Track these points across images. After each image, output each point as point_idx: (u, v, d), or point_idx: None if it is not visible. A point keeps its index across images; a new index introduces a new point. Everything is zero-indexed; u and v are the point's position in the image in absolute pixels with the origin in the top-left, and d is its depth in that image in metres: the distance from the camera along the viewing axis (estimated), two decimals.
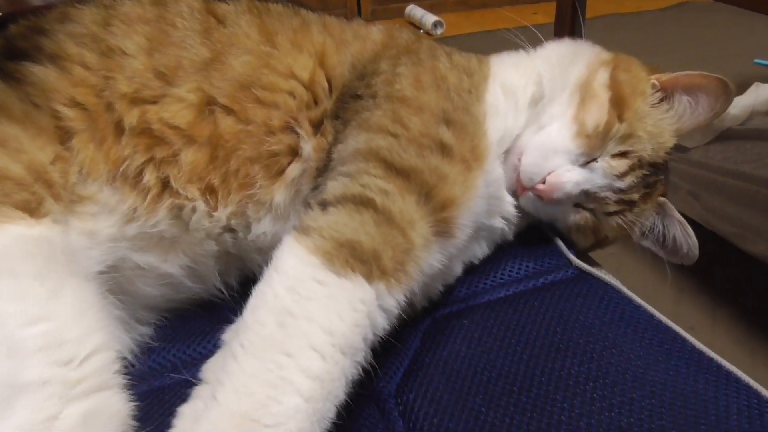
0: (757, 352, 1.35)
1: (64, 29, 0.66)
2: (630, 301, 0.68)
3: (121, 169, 0.63)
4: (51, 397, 0.48)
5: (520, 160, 0.71)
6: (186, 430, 0.54)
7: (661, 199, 0.75)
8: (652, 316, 0.66)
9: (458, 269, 0.74)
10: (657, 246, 0.77)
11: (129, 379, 0.57)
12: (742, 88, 1.89)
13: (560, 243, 0.78)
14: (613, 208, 0.72)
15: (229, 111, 0.65)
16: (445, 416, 0.57)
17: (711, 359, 0.59)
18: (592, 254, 0.81)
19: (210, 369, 0.61)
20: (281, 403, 0.47)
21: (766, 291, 1.49)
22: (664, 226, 0.76)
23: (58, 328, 0.51)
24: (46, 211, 0.58)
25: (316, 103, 0.69)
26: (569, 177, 0.69)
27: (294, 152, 0.67)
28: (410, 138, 0.62)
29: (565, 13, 1.82)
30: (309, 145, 0.67)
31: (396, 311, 0.56)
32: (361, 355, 0.53)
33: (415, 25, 3.26)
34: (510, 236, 0.77)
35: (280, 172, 0.66)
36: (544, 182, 0.69)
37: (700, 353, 0.60)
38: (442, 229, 0.60)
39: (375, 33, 0.78)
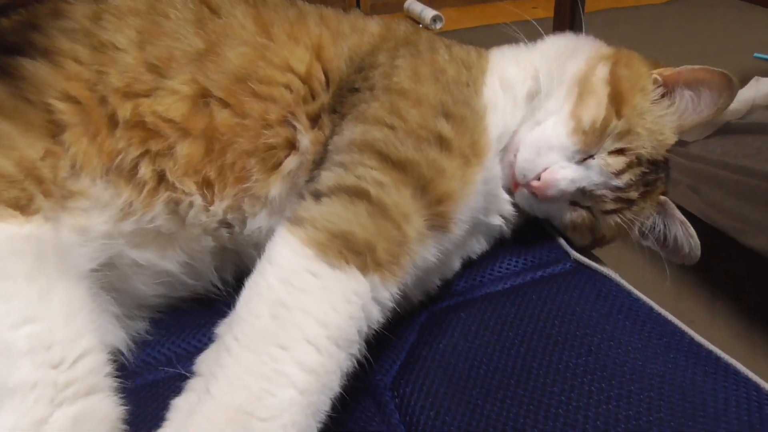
0: (757, 345, 1.34)
1: (56, 25, 0.66)
2: (629, 293, 0.68)
3: (115, 163, 0.63)
4: (40, 400, 0.47)
5: (515, 156, 0.70)
6: (180, 422, 0.53)
7: (662, 197, 0.74)
8: (651, 308, 0.65)
9: (456, 265, 0.73)
10: (657, 246, 0.75)
11: (123, 373, 0.57)
12: (742, 82, 1.88)
13: (557, 235, 0.77)
14: (610, 206, 0.70)
15: (224, 104, 0.64)
16: (442, 409, 0.56)
17: (710, 352, 0.59)
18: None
19: (203, 362, 0.61)
20: (276, 396, 0.46)
21: (766, 285, 1.49)
22: (665, 225, 0.75)
23: (47, 329, 0.50)
24: (37, 209, 0.57)
25: (313, 97, 0.68)
26: (564, 174, 0.68)
27: (291, 145, 0.67)
28: (408, 130, 0.61)
29: (565, 7, 1.81)
30: (306, 139, 0.67)
31: (390, 304, 0.55)
32: (356, 347, 0.52)
33: (414, 20, 3.25)
34: (508, 233, 0.77)
35: (277, 165, 0.66)
36: (539, 179, 0.68)
37: (699, 346, 0.59)
38: (438, 223, 0.59)
39: (372, 25, 0.77)
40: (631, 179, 0.69)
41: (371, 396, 0.60)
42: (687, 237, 0.73)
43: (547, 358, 0.59)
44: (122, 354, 0.64)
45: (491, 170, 0.68)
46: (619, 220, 0.71)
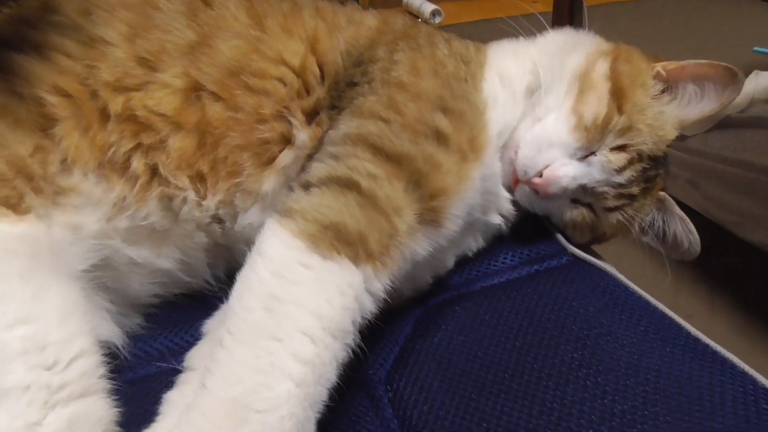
0: (755, 340, 1.34)
1: (46, 19, 0.65)
2: (625, 287, 0.67)
3: (107, 156, 0.62)
4: (33, 402, 0.47)
5: (516, 153, 0.69)
6: (173, 416, 0.53)
7: (662, 193, 0.74)
8: (647, 302, 0.65)
9: (450, 262, 0.72)
10: (657, 242, 0.75)
11: (116, 367, 0.57)
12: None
13: (554, 230, 0.77)
14: (612, 203, 0.70)
15: (217, 97, 0.64)
16: (435, 403, 0.56)
17: (706, 346, 0.58)
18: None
19: (194, 357, 0.61)
20: (272, 389, 0.46)
21: (765, 279, 1.48)
22: (664, 221, 0.74)
23: (41, 331, 0.50)
24: (28, 206, 0.57)
25: (308, 91, 0.67)
26: (566, 171, 0.67)
27: (286, 140, 0.66)
28: (404, 124, 0.60)
29: (564, 2, 1.80)
30: (303, 134, 0.66)
31: (382, 295, 0.54)
32: (351, 337, 0.51)
33: (414, 14, 3.24)
34: (506, 230, 0.76)
35: (271, 160, 0.65)
36: (540, 176, 0.67)
37: (696, 340, 0.59)
38: (430, 218, 0.59)
39: (369, 18, 0.76)
40: (632, 176, 0.68)
41: (365, 390, 0.60)
42: (686, 233, 0.73)
43: (543, 352, 0.59)
44: (117, 348, 0.63)
45: (490, 167, 0.67)
46: (620, 217, 0.71)
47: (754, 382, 0.53)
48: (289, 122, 0.65)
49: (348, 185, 0.55)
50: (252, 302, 0.50)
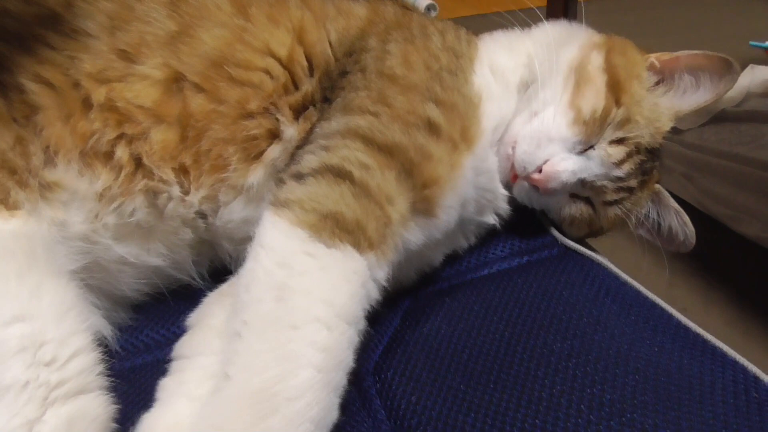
0: (750, 333, 1.34)
1: (28, 10, 0.64)
2: (616, 277, 0.67)
3: (89, 144, 0.61)
4: (32, 399, 0.47)
5: (513, 148, 0.68)
6: (171, 401, 0.54)
7: (657, 186, 0.73)
8: (638, 292, 0.64)
9: (437, 260, 0.72)
10: (652, 235, 0.74)
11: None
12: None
13: (545, 221, 0.76)
14: (611, 196, 0.69)
15: (199, 89, 0.62)
16: (423, 394, 0.55)
17: (697, 335, 0.58)
18: None
19: (183, 346, 0.60)
20: (296, 377, 0.45)
21: (760, 272, 1.48)
22: (659, 214, 0.73)
23: (39, 328, 0.50)
24: (16, 201, 0.57)
25: (296, 85, 0.66)
26: (565, 166, 0.66)
27: (274, 135, 0.65)
28: (393, 116, 0.60)
29: None
30: (291, 129, 0.65)
31: (384, 282, 0.54)
32: (362, 324, 0.51)
33: (408, 9, 3.22)
34: (499, 227, 0.75)
35: (259, 154, 0.64)
36: (539, 171, 0.67)
37: (687, 329, 0.58)
38: (423, 207, 0.58)
39: (358, 8, 0.75)
40: (631, 168, 0.68)
41: (352, 381, 0.59)
42: (682, 225, 0.72)
43: (532, 342, 0.58)
44: (106, 339, 0.63)
45: (485, 161, 0.66)
46: (618, 211, 0.70)
47: (744, 370, 0.53)
48: (277, 118, 0.64)
49: (341, 175, 0.54)
50: (261, 293, 0.50)
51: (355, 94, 0.63)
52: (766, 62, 1.93)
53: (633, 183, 0.69)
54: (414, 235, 0.59)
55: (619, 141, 0.67)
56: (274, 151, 0.64)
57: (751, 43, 2.42)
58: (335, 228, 0.51)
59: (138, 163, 0.62)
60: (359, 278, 0.51)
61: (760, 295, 1.43)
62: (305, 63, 0.67)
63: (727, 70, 0.67)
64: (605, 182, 0.68)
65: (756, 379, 0.52)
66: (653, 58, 0.70)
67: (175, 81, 0.62)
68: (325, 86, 0.67)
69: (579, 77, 0.69)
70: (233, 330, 0.49)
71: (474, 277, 0.71)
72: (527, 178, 0.68)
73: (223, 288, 0.66)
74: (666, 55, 0.71)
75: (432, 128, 0.60)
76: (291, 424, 0.44)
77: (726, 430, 0.47)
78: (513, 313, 0.62)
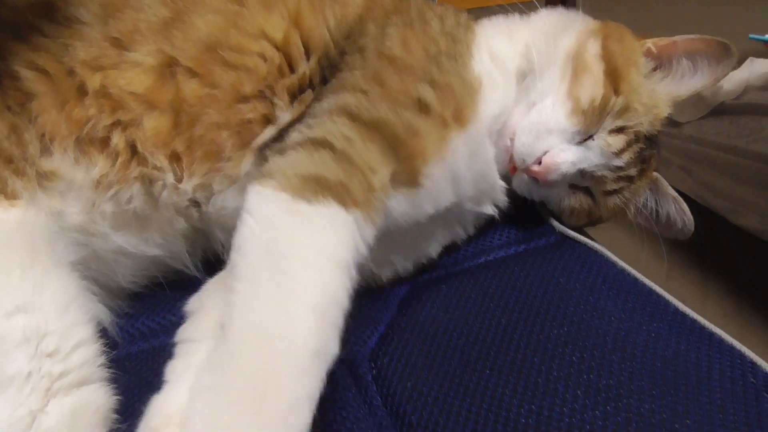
0: (747, 325, 1.34)
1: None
2: (613, 265, 0.66)
3: (85, 130, 0.60)
4: (35, 390, 0.47)
5: (512, 140, 0.67)
6: (181, 382, 0.54)
7: (655, 174, 0.73)
8: (635, 279, 0.64)
9: (433, 251, 0.71)
10: (651, 223, 0.73)
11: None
12: (737, 63, 1.86)
13: (542, 210, 0.76)
14: (611, 186, 0.68)
15: (192, 74, 0.62)
16: (419, 380, 0.55)
17: (694, 321, 0.57)
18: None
19: (187, 330, 0.60)
20: (291, 315, 0.46)
21: (758, 265, 1.48)
22: (657, 202, 0.73)
23: (42, 320, 0.50)
24: (13, 190, 0.57)
25: (291, 68, 0.65)
26: (565, 157, 0.65)
27: (268, 120, 0.64)
28: (383, 94, 0.59)
29: None
30: (287, 114, 0.64)
31: (372, 242, 0.54)
32: (353, 272, 0.51)
33: None
34: (496, 217, 0.74)
35: (253, 139, 0.63)
36: (539, 163, 0.66)
37: (684, 315, 0.58)
38: (406, 177, 0.58)
39: None
40: (631, 157, 0.67)
41: (348, 368, 0.59)
42: (680, 213, 0.72)
43: (528, 328, 0.58)
44: (104, 326, 0.63)
45: (480, 144, 0.65)
46: (618, 200, 0.70)
47: (741, 356, 0.53)
48: (272, 102, 0.64)
49: (322, 144, 0.54)
50: (251, 249, 0.50)
51: (350, 73, 0.63)
52: (766, 55, 1.93)
53: (632, 172, 0.68)
54: (399, 204, 0.59)
55: (619, 130, 0.67)
56: (268, 133, 0.64)
57: (751, 36, 2.41)
58: (317, 187, 0.51)
59: (133, 150, 0.62)
60: (347, 230, 0.51)
61: (758, 287, 1.43)
62: (301, 46, 0.66)
63: (725, 54, 0.67)
64: (605, 172, 0.67)
65: (753, 364, 0.52)
66: (650, 43, 0.70)
67: (168, 66, 0.61)
68: (324, 66, 0.66)
69: (576, 66, 0.68)
70: (228, 287, 0.49)
71: (471, 265, 0.71)
72: (527, 170, 0.67)
73: (223, 275, 0.65)
74: (663, 41, 0.70)
75: (422, 107, 0.60)
76: (291, 356, 0.45)
77: (722, 415, 0.47)
78: (510, 300, 0.62)
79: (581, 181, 0.69)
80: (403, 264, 0.69)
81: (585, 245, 0.70)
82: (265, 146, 0.63)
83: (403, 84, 0.60)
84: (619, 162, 0.67)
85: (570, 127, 0.66)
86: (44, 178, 0.59)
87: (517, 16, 0.78)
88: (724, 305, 1.40)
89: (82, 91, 0.61)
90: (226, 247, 0.67)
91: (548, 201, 0.73)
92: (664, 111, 0.69)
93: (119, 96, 0.60)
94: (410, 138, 0.58)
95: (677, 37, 0.69)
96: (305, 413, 0.44)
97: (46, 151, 0.60)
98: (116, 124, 0.61)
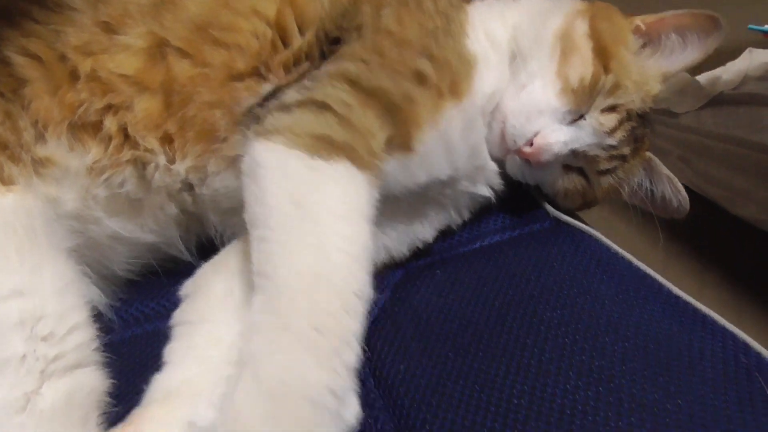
0: (744, 314, 1.34)
1: None
2: (607, 249, 0.66)
3: (77, 114, 0.60)
4: (30, 372, 0.48)
5: (504, 123, 0.67)
6: (182, 362, 0.55)
7: (648, 154, 0.72)
8: (629, 263, 0.64)
9: (429, 235, 0.71)
10: (646, 203, 0.73)
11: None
12: (735, 53, 1.85)
13: (537, 194, 0.76)
14: (604, 165, 0.68)
15: (183, 54, 0.61)
16: (412, 362, 0.55)
17: (687, 303, 0.57)
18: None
19: (187, 312, 0.61)
20: (330, 259, 0.49)
21: (755, 254, 1.48)
22: (651, 182, 0.73)
23: (38, 303, 0.51)
24: (10, 176, 0.57)
25: (285, 44, 0.64)
26: (557, 137, 0.65)
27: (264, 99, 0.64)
28: (383, 64, 0.60)
29: None
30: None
31: (377, 205, 0.55)
32: (373, 228, 0.53)
33: None
34: (493, 198, 0.74)
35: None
36: (530, 145, 0.66)
37: (677, 298, 0.58)
38: (400, 141, 0.59)
39: None
40: (623, 136, 0.67)
41: None
42: (675, 192, 0.72)
43: (522, 311, 0.58)
44: (99, 310, 0.63)
45: (474, 120, 0.65)
46: (612, 180, 0.70)
47: (734, 337, 0.53)
48: (267, 80, 0.63)
49: (324, 107, 0.56)
50: (277, 201, 0.52)
51: (348, 46, 0.63)
52: (765, 46, 1.92)
53: (625, 151, 0.68)
54: (392, 168, 0.60)
55: (611, 109, 0.67)
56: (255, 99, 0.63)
57: (750, 26, 2.41)
58: (329, 147, 0.53)
59: (125, 134, 0.62)
60: (364, 188, 0.54)
61: (755, 277, 1.43)
62: (294, 22, 0.65)
63: (714, 27, 0.66)
64: (598, 151, 0.67)
65: (746, 345, 0.52)
66: (639, 21, 0.70)
67: (159, 48, 0.61)
68: (321, 40, 0.66)
69: (565, 46, 0.68)
70: (258, 237, 0.51)
71: (466, 251, 0.71)
72: (518, 151, 0.67)
73: (217, 259, 0.65)
74: (651, 17, 0.70)
75: (420, 78, 0.61)
76: (338, 296, 0.47)
77: (714, 394, 0.47)
78: (503, 284, 0.62)
79: (574, 162, 0.69)
80: (398, 248, 0.69)
81: (579, 230, 0.70)
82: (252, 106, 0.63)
83: (402, 56, 0.61)
84: (611, 141, 0.67)
85: (560, 107, 0.66)
86: (40, 164, 0.59)
87: None
88: (721, 294, 1.40)
89: (74, 75, 0.60)
90: (220, 231, 0.67)
91: (542, 184, 0.73)
92: (655, 87, 0.69)
93: (110, 79, 0.60)
94: (406, 105, 0.59)
95: (666, 13, 0.69)
96: (355, 348, 0.47)
97: (40, 137, 0.59)
98: (108, 107, 0.61)
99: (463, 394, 0.51)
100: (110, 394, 0.54)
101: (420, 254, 0.71)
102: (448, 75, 0.62)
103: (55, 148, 0.60)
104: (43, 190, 0.59)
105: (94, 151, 0.61)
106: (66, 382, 0.50)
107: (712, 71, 1.78)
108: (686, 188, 0.71)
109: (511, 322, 0.57)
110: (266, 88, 0.62)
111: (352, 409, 0.46)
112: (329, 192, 0.52)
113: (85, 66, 0.60)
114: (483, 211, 0.75)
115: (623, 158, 0.69)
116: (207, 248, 0.68)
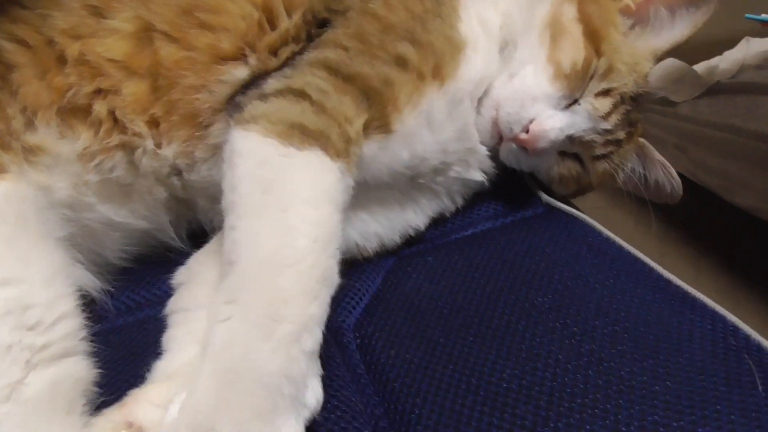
0: (740, 302, 1.34)
1: None
2: (599, 233, 0.66)
3: (67, 98, 0.60)
4: (15, 362, 0.47)
5: (497, 111, 0.66)
6: (180, 349, 0.55)
7: (641, 140, 0.72)
8: (620, 247, 0.64)
9: (422, 223, 0.71)
10: (639, 189, 0.73)
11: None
12: (733, 42, 1.85)
13: (530, 181, 0.76)
14: (600, 150, 0.68)
15: (170, 38, 0.61)
16: (403, 347, 0.55)
17: (677, 287, 0.57)
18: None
19: (183, 300, 0.61)
20: (293, 246, 0.49)
21: (752, 243, 1.48)
22: (644, 168, 0.73)
23: (25, 292, 0.50)
24: (1, 164, 0.56)
25: (272, 25, 0.64)
26: (552, 123, 0.64)
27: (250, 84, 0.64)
28: (363, 51, 0.61)
29: None
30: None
31: (350, 196, 0.56)
32: (342, 214, 0.53)
33: None
34: (487, 187, 0.74)
35: (231, 99, 0.63)
36: (526, 132, 0.65)
37: (667, 281, 0.58)
38: (379, 124, 0.60)
39: None
40: (618, 120, 0.67)
41: (333, 337, 0.58)
42: (668, 177, 0.72)
43: (513, 296, 0.58)
44: (90, 296, 0.63)
45: (460, 103, 0.65)
46: (607, 165, 0.69)
47: (723, 320, 0.53)
48: (251, 63, 0.63)
49: (301, 95, 0.57)
50: (248, 189, 0.52)
51: (332, 31, 0.63)
52: (762, 35, 1.91)
53: (620, 135, 0.68)
54: (372, 150, 0.60)
55: (605, 92, 0.66)
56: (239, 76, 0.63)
57: (747, 15, 2.40)
58: (302, 135, 0.54)
59: (114, 118, 0.62)
60: (335, 176, 0.54)
61: (751, 265, 1.43)
62: (282, 4, 0.64)
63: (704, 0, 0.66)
64: (593, 136, 0.67)
65: (735, 328, 0.52)
66: (627, 0, 0.69)
67: (146, 31, 0.61)
68: (309, 22, 0.65)
69: (554, 31, 0.67)
70: (228, 225, 0.52)
71: (458, 237, 0.71)
72: (514, 139, 0.66)
73: (209, 246, 0.65)
74: None
75: (400, 62, 0.61)
76: (300, 282, 0.48)
77: (702, 375, 0.47)
78: (495, 270, 0.62)
79: (570, 148, 0.69)
80: (390, 236, 0.69)
81: (571, 215, 0.70)
82: (235, 95, 0.62)
83: (383, 41, 0.61)
84: (606, 125, 0.66)
85: (554, 93, 0.65)
86: (30, 152, 0.59)
87: None
88: (717, 282, 1.40)
89: (61, 59, 0.60)
90: (210, 218, 0.67)
91: (537, 170, 0.73)
92: (646, 67, 0.69)
93: (98, 63, 0.60)
94: (385, 89, 0.59)
95: None
96: (316, 335, 0.47)
97: (30, 125, 0.59)
98: (97, 92, 0.61)
99: (453, 378, 0.51)
100: (99, 383, 0.53)
101: (412, 241, 0.71)
102: (432, 58, 0.62)
103: (45, 135, 0.60)
104: (35, 178, 0.59)
105: (83, 137, 0.61)
106: (52, 372, 0.49)
107: (709, 60, 1.78)
108: (683, 177, 0.71)
109: (503, 307, 0.57)
110: (247, 72, 0.62)
111: (313, 393, 0.46)
112: (298, 179, 0.52)
113: (73, 50, 0.60)
114: (476, 198, 0.75)
115: (618, 143, 0.69)
116: (199, 237, 0.68)
